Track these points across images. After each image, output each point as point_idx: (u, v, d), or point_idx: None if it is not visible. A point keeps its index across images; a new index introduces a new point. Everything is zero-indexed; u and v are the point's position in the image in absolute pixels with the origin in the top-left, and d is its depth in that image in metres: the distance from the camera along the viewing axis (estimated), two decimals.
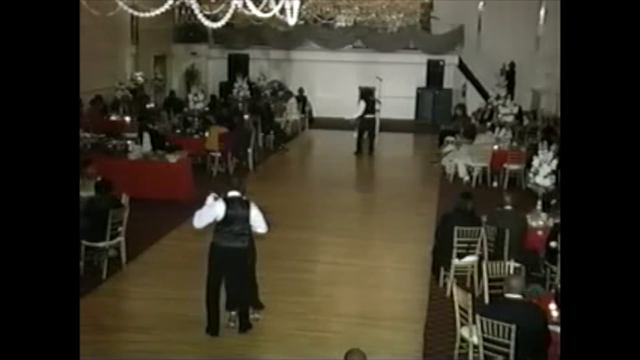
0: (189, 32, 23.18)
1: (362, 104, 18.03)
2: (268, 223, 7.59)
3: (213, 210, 7.33)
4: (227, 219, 7.28)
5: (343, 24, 17.82)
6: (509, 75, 22.21)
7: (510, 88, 20.85)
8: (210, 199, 7.48)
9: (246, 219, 7.36)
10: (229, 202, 7.35)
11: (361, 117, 17.96)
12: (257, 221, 7.44)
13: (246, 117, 18.01)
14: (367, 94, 18.86)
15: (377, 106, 18.39)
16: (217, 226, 7.38)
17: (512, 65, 22.83)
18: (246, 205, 7.41)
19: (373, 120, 18.15)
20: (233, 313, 7.72)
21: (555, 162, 9.53)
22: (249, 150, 15.83)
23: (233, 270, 7.47)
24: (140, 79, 20.47)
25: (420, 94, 23.50)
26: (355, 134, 18.22)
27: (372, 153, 18.06)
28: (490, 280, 7.38)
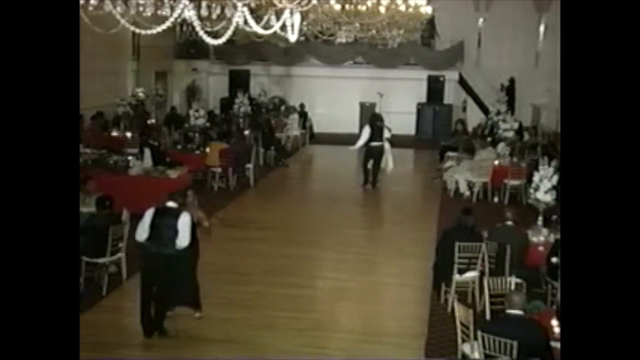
0: (190, 48, 23.27)
1: (367, 130, 15.96)
2: (194, 238, 7.86)
3: (142, 223, 7.76)
4: (152, 226, 7.63)
5: (344, 40, 17.82)
6: (509, 90, 22.26)
7: (511, 103, 20.91)
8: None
9: (175, 228, 7.59)
10: (158, 211, 7.70)
11: (366, 144, 16.01)
12: (181, 231, 7.63)
13: (246, 132, 18.05)
14: (374, 119, 16.39)
15: (386, 133, 16.07)
16: (149, 233, 7.68)
17: (512, 80, 22.88)
18: (176, 216, 7.63)
19: (380, 148, 15.89)
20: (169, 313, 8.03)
21: (555, 178, 9.53)
22: (250, 166, 15.84)
23: (161, 275, 7.72)
24: (141, 95, 20.52)
25: (420, 109, 23.54)
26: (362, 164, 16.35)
27: (376, 186, 16.02)
28: (491, 296, 7.36)
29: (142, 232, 7.71)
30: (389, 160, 16.22)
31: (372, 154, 15.98)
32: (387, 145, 16.12)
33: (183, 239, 7.61)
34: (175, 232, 7.58)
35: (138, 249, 8.17)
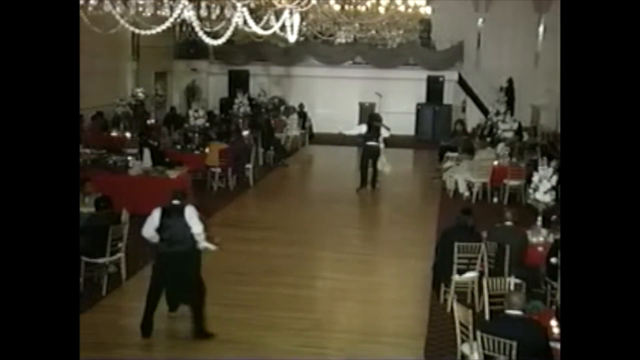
0: (190, 48, 23.26)
1: (363, 127, 15.95)
2: (204, 224, 7.86)
3: (150, 219, 7.76)
4: (163, 227, 7.66)
5: (343, 41, 17.86)
6: (507, 91, 22.26)
7: (510, 104, 20.92)
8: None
9: (184, 225, 7.64)
10: (165, 211, 7.72)
11: (363, 145, 15.80)
12: (191, 222, 7.69)
13: (245, 132, 18.06)
14: (371, 119, 16.12)
15: (384, 133, 15.73)
16: (159, 234, 7.72)
17: (510, 81, 22.85)
18: (182, 212, 7.68)
19: (377, 148, 15.58)
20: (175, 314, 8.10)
21: (555, 178, 9.53)
22: (249, 166, 15.85)
23: (176, 274, 7.74)
24: (141, 95, 20.52)
25: (420, 109, 23.52)
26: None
27: (375, 188, 15.81)
28: (490, 297, 7.36)
29: (150, 229, 7.73)
30: (384, 162, 15.88)
31: (369, 154, 15.69)
32: (381, 146, 15.84)
33: (196, 227, 7.66)
34: (185, 228, 7.62)
35: (148, 247, 8.16)
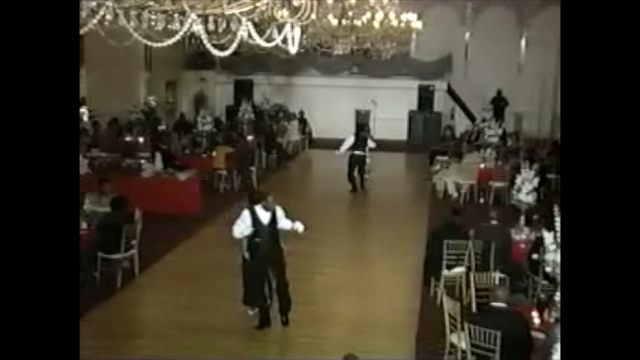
0: (198, 59, 23.28)
1: (350, 139, 15.99)
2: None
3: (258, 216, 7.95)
4: (272, 224, 7.94)
5: (341, 52, 17.81)
6: (497, 101, 22.26)
7: (499, 113, 21.01)
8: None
9: (275, 222, 7.99)
10: (270, 209, 7.98)
11: (351, 153, 15.87)
12: (284, 220, 8.12)
13: (249, 137, 18.08)
14: (359, 130, 16.41)
15: (370, 144, 16.02)
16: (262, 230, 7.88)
17: (499, 92, 22.80)
18: (273, 211, 8.01)
19: (362, 157, 15.84)
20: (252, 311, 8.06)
21: (536, 180, 9.55)
22: (253, 169, 15.88)
23: (275, 270, 7.93)
24: (152, 102, 20.52)
25: (412, 116, 23.61)
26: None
27: (364, 188, 16.01)
28: (477, 290, 7.38)
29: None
30: (370, 170, 16.14)
31: (356, 161, 15.84)
32: (368, 155, 15.96)
33: (285, 223, 8.10)
34: (275, 225, 7.91)
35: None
